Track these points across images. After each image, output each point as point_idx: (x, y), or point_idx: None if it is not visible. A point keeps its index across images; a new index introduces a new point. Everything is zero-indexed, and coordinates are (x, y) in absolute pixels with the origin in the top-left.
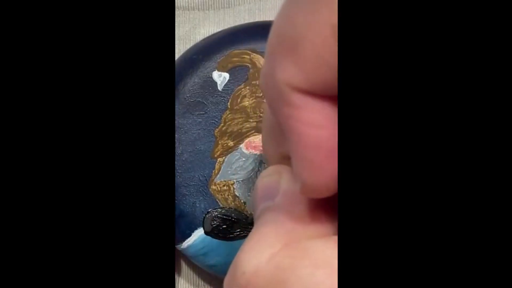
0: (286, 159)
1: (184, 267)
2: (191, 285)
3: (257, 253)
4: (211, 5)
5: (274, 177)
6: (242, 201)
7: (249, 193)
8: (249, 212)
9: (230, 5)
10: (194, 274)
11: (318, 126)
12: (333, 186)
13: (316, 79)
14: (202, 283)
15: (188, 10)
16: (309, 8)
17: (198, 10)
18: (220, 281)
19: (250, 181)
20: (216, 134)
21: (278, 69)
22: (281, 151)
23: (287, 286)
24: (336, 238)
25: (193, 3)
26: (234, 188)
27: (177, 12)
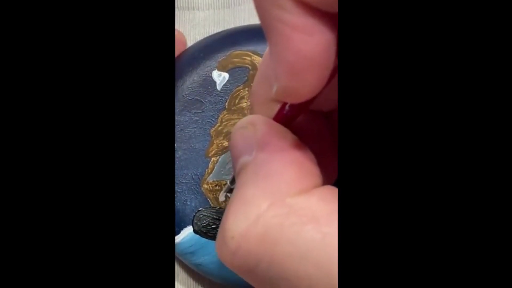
0: (275, 105)
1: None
2: (181, 285)
3: (243, 216)
4: (211, 5)
5: (249, 129)
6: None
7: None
8: None
9: (230, 5)
10: (185, 274)
11: (305, 32)
12: (307, 94)
13: None
14: (193, 282)
15: (188, 10)
16: None
17: (198, 10)
18: (210, 283)
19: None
20: (211, 133)
21: None
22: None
23: (277, 245)
24: (317, 190)
25: (193, 3)
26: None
27: (177, 12)
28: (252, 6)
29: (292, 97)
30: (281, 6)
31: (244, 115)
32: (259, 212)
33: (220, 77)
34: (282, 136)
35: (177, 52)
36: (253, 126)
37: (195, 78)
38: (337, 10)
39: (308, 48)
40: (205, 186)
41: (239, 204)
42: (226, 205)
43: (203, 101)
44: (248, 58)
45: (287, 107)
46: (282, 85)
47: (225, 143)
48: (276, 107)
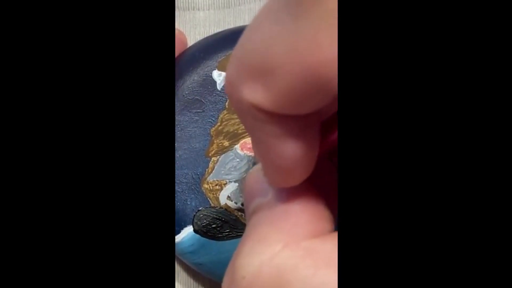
0: None
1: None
2: (181, 285)
3: (256, 256)
4: (211, 5)
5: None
6: (233, 201)
7: (241, 195)
8: (239, 214)
9: (231, 5)
10: (185, 274)
11: (281, 138)
12: (297, 182)
13: (283, 104)
14: (193, 282)
15: (188, 10)
16: (291, 46)
17: (198, 10)
18: (210, 282)
19: (242, 182)
20: (212, 133)
21: (246, 89)
22: None
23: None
24: (334, 235)
25: (193, 3)
26: (226, 188)
27: (177, 12)
28: (252, 6)
29: (282, 186)
30: (255, 116)
31: None
32: (273, 252)
33: (220, 77)
34: None
35: (177, 52)
36: None
37: (195, 78)
38: (307, 112)
39: (287, 152)
40: (205, 185)
41: (252, 243)
42: (226, 205)
43: (203, 100)
44: None
45: None
46: (271, 179)
47: (225, 143)
48: None
